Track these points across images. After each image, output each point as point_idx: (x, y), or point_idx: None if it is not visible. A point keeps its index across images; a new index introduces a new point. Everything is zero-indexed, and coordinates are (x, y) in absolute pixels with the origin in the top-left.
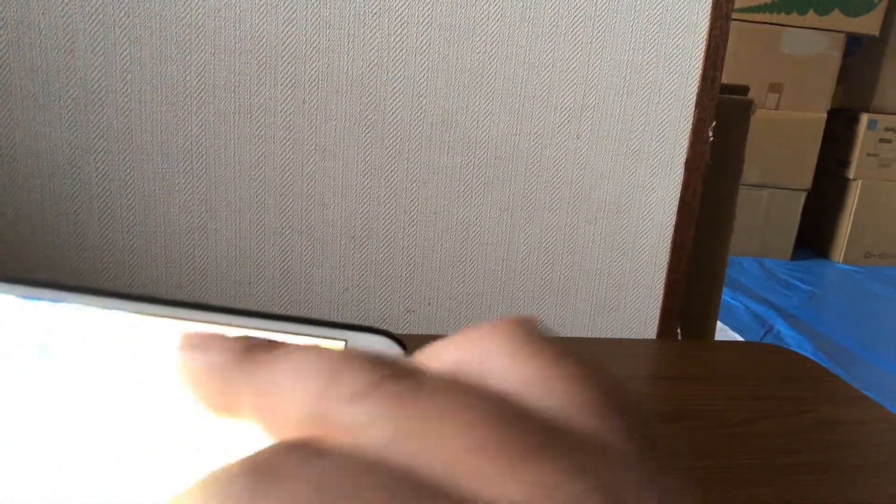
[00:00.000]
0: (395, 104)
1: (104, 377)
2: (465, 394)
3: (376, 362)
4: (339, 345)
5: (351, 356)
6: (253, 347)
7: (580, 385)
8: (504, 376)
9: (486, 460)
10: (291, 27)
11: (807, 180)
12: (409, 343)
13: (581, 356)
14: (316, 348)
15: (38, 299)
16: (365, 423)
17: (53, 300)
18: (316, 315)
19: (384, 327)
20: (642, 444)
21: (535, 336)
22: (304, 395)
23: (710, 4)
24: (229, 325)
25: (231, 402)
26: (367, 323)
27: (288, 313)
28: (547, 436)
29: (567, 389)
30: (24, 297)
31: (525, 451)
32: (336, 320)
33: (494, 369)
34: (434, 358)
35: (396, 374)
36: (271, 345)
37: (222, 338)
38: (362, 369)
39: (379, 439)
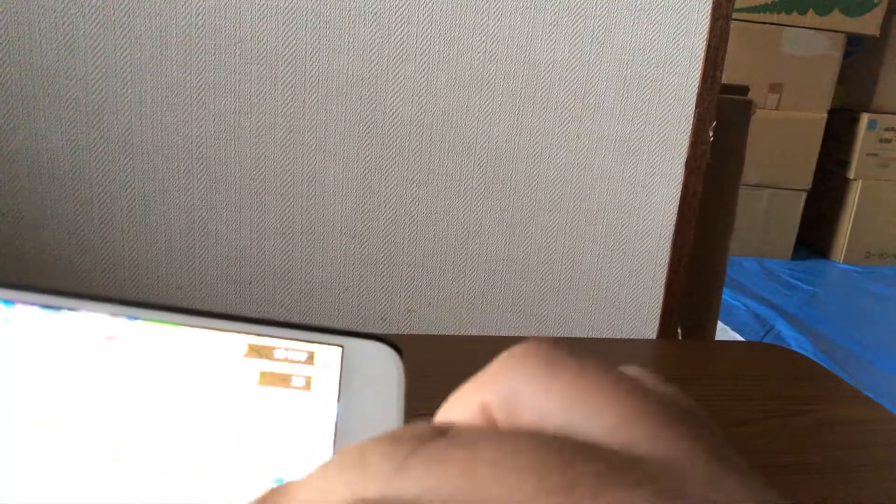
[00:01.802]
0: (395, 104)
1: (117, 383)
2: (507, 437)
3: (397, 435)
4: (335, 351)
5: (368, 444)
6: (269, 495)
7: (620, 396)
8: (537, 406)
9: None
10: (291, 27)
11: (807, 180)
12: (410, 343)
13: (605, 362)
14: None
15: (56, 309)
16: (416, 489)
17: (70, 309)
18: (316, 315)
19: (384, 327)
20: (706, 447)
21: (555, 355)
22: (340, 493)
23: (711, 4)
24: (231, 331)
25: None
26: (367, 323)
27: (286, 319)
28: (610, 463)
29: (609, 404)
30: (42, 306)
31: (597, 486)
32: (333, 326)
33: (524, 402)
34: (457, 406)
35: (426, 437)
36: (287, 486)
37: None
38: (389, 444)
39: (440, 496)
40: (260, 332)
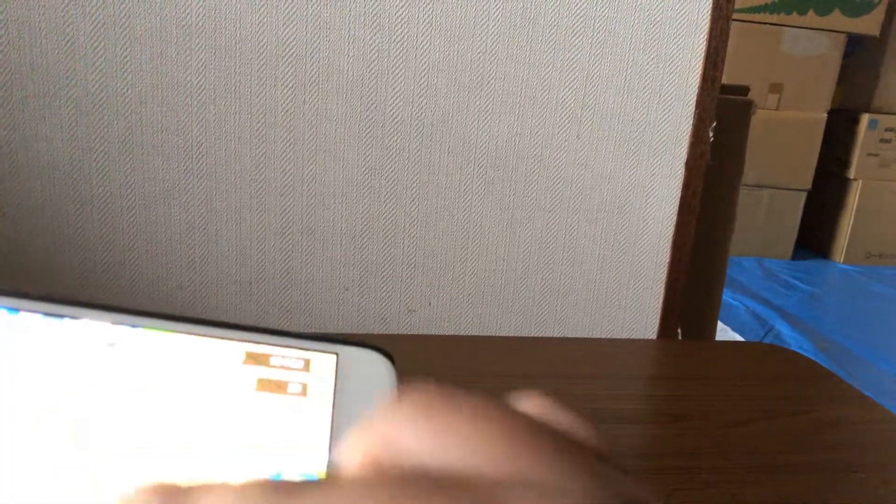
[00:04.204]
0: (395, 104)
1: (118, 389)
2: (378, 482)
3: (276, 484)
4: (330, 358)
5: (251, 484)
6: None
7: (479, 442)
8: (414, 450)
9: None
10: (292, 27)
11: (807, 180)
12: (410, 343)
13: (490, 399)
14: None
15: (59, 317)
16: None
17: (72, 317)
18: (316, 315)
19: (384, 327)
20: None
21: (433, 400)
22: None
23: (711, 5)
24: (229, 339)
25: None
26: (367, 323)
27: (286, 319)
28: (439, 484)
29: (482, 439)
30: (45, 314)
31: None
32: (328, 334)
33: (403, 447)
34: (348, 454)
35: (302, 487)
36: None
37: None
38: (272, 490)
39: None
40: (257, 340)
